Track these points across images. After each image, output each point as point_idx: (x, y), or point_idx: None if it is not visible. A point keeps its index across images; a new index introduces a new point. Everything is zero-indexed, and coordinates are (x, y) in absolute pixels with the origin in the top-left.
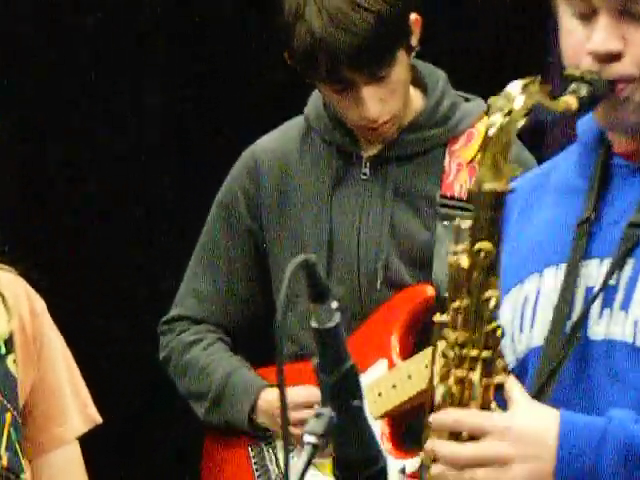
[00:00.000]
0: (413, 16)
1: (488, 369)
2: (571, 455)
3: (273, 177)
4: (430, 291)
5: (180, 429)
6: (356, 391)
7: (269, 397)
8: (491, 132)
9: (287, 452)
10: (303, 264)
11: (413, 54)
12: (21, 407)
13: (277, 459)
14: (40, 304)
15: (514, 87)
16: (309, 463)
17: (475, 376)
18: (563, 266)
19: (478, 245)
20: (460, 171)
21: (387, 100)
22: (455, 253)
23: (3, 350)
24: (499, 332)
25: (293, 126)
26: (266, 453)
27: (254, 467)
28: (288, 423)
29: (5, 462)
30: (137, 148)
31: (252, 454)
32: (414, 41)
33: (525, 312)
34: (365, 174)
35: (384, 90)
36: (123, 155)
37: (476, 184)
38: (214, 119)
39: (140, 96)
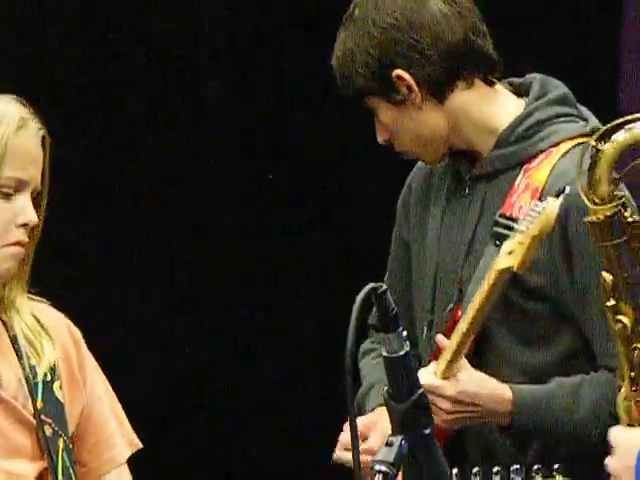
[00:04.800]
0: (397, 71)
1: None
2: None
3: (417, 194)
4: None
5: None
6: (426, 420)
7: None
8: None
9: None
10: (372, 292)
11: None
12: (71, 433)
13: None
14: (79, 334)
15: None
16: None
17: None
18: None
19: None
20: (525, 191)
21: (381, 129)
22: None
23: (49, 377)
24: None
25: None
26: None
27: None
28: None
29: None
30: None
31: None
32: (399, 95)
33: None
34: (465, 191)
35: (380, 120)
36: None
37: None
38: None
39: None
